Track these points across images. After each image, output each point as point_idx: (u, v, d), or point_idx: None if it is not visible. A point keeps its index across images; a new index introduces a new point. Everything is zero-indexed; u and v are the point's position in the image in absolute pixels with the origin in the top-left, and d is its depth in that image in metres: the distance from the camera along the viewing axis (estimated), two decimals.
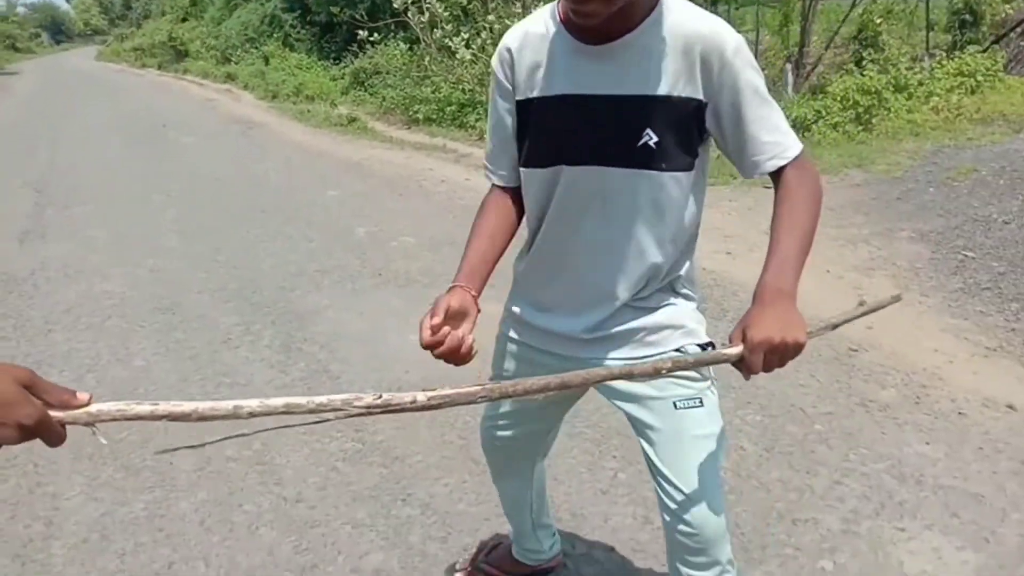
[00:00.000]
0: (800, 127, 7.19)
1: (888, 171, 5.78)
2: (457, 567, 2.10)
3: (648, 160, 1.28)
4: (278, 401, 0.90)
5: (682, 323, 1.44)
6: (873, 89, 7.27)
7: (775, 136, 1.28)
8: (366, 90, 12.75)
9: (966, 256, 4.07)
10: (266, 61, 17.43)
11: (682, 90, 1.25)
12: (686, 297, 1.46)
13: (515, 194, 1.48)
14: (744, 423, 2.75)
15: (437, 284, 4.31)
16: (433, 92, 10.51)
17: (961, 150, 6.10)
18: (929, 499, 2.31)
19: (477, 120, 9.45)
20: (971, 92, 7.60)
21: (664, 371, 1.15)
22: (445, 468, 2.58)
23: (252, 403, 0.89)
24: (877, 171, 5.86)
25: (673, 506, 1.41)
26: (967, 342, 3.28)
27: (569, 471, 2.52)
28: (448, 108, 10.10)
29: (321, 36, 16.99)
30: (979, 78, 7.73)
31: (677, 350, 1.42)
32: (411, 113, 10.52)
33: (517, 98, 1.37)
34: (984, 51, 8.38)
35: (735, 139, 1.29)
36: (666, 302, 1.43)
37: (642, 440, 1.47)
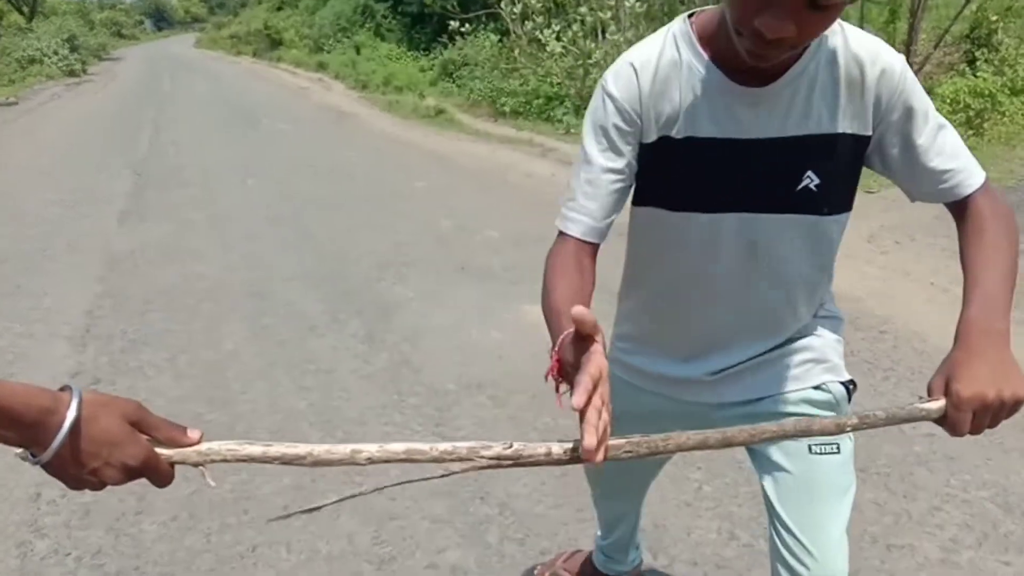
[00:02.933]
0: None
1: (1001, 180, 5.46)
2: (536, 571, 2.07)
3: (807, 204, 1.16)
4: (399, 447, 0.84)
5: (825, 357, 1.31)
6: (986, 92, 6.87)
7: (955, 163, 1.13)
8: (454, 82, 12.85)
9: None
10: (357, 51, 17.79)
11: (847, 125, 1.12)
12: (830, 322, 1.34)
13: (594, 251, 1.23)
14: None
15: (520, 280, 4.29)
16: (521, 85, 10.51)
17: None
18: None
19: (564, 114, 9.41)
20: None
21: (848, 427, 0.98)
22: (524, 469, 2.55)
23: (371, 448, 0.83)
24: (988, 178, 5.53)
25: (791, 559, 1.28)
26: None
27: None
28: (535, 102, 10.07)
29: (412, 26, 17.21)
30: None
31: (818, 387, 1.31)
32: (498, 106, 10.54)
33: (645, 140, 1.16)
34: None
35: (907, 169, 1.15)
36: (807, 332, 1.31)
37: (765, 480, 1.33)
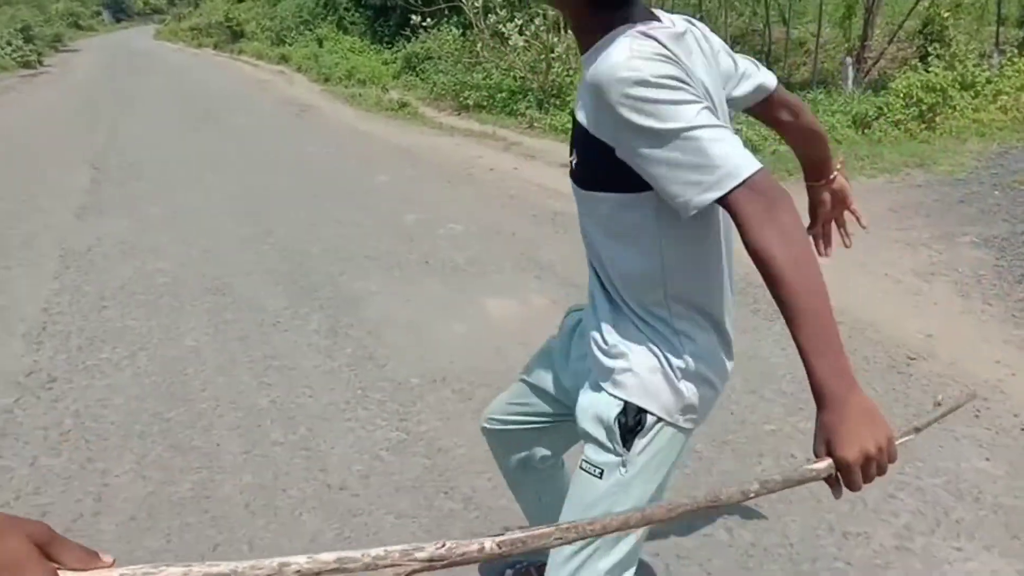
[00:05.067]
0: (860, 124, 7.00)
1: (951, 172, 5.60)
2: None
3: (578, 179, 1.27)
4: (328, 556, 0.79)
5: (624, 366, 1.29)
6: (938, 86, 7.03)
7: (691, 176, 1.07)
8: (417, 75, 12.78)
9: None
10: (320, 43, 17.60)
11: (590, 124, 1.17)
12: (649, 332, 1.30)
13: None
14: (795, 430, 2.69)
15: (484, 274, 4.30)
16: (484, 79, 10.49)
17: None
18: (988, 518, 2.23)
19: (527, 108, 9.41)
20: None
21: (752, 493, 1.02)
22: (488, 462, 2.55)
23: (300, 560, 0.78)
24: (940, 172, 5.67)
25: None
26: None
27: None
28: (499, 95, 10.07)
29: (375, 19, 17.06)
30: None
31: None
32: (461, 99, 10.51)
33: None
34: None
35: (653, 182, 1.13)
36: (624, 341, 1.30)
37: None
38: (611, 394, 1.28)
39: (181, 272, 4.49)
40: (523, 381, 1.64)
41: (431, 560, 0.82)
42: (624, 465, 1.28)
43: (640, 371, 1.27)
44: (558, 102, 9.35)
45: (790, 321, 1.04)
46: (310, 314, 3.85)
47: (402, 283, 4.24)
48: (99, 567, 0.74)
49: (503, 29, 9.74)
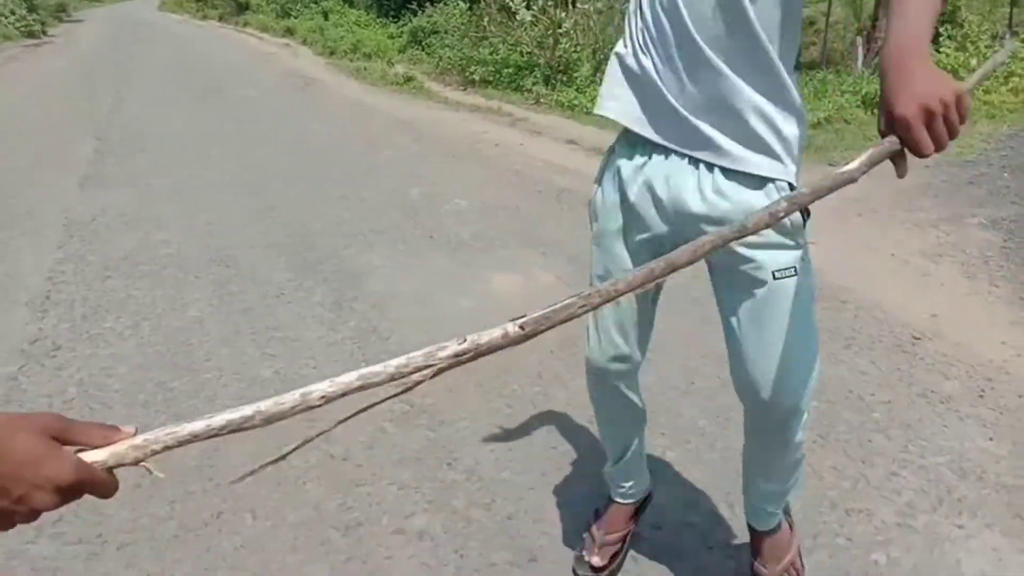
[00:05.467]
0: (870, 104, 6.94)
1: (961, 153, 5.55)
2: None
3: None
4: (350, 376, 0.77)
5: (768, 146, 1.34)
6: (950, 67, 6.96)
7: None
8: (423, 49, 12.68)
9: None
10: (325, 16, 17.44)
11: None
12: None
13: None
14: None
15: (490, 249, 4.29)
16: (491, 54, 10.40)
17: None
18: (991, 497, 2.23)
19: (534, 84, 9.33)
20: None
21: (781, 214, 0.96)
22: (491, 435, 2.57)
23: (321, 386, 0.77)
24: (949, 153, 5.62)
25: (754, 384, 1.48)
26: None
27: None
28: (505, 71, 9.98)
29: None
30: None
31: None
32: (467, 74, 10.43)
33: None
34: None
35: None
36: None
37: (730, 318, 1.48)
38: (774, 180, 1.35)
39: (185, 244, 4.48)
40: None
41: (456, 356, 0.80)
42: (802, 248, 1.42)
43: (794, 143, 1.36)
44: (565, 78, 9.27)
45: None
46: (314, 287, 3.85)
47: (407, 257, 4.23)
48: (121, 439, 0.74)
49: (510, 3, 9.63)
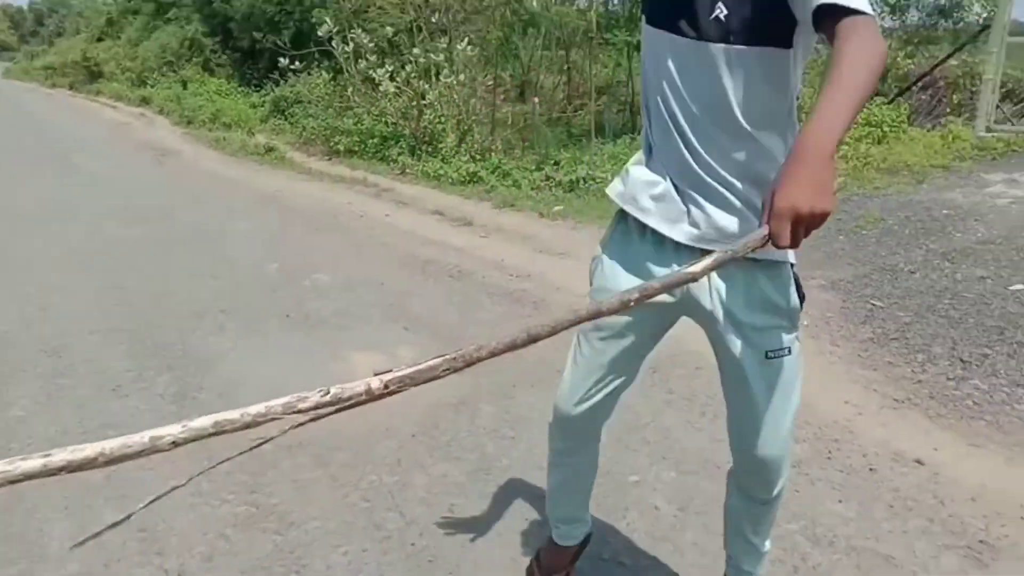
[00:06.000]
0: None
1: None
2: None
3: (720, 33, 1.34)
4: (205, 421, 0.75)
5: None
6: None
7: None
8: (286, 119, 12.50)
9: (875, 305, 4.14)
10: (184, 85, 16.98)
11: None
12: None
13: None
14: (658, 480, 2.68)
15: (350, 327, 4.15)
16: (356, 124, 10.36)
17: (868, 199, 6.30)
18: (842, 562, 2.27)
19: (399, 154, 9.34)
20: (878, 142, 7.91)
21: (632, 302, 1.05)
22: (344, 535, 2.41)
23: (173, 430, 0.74)
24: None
25: (747, 444, 1.65)
26: (876, 393, 3.30)
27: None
28: (370, 141, 9.95)
29: (243, 62, 16.66)
30: (885, 129, 8.06)
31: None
32: (332, 144, 10.33)
33: None
34: (890, 103, 8.75)
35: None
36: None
37: (728, 383, 1.65)
38: (777, 263, 1.49)
39: (12, 333, 4.10)
40: (601, 339, 1.66)
41: (316, 407, 0.80)
42: (797, 328, 1.57)
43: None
44: (430, 149, 9.32)
45: (832, 81, 1.12)
46: (156, 376, 3.58)
47: (260, 338, 4.02)
48: None
49: (374, 75, 9.65)
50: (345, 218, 6.77)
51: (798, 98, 1.48)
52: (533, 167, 8.24)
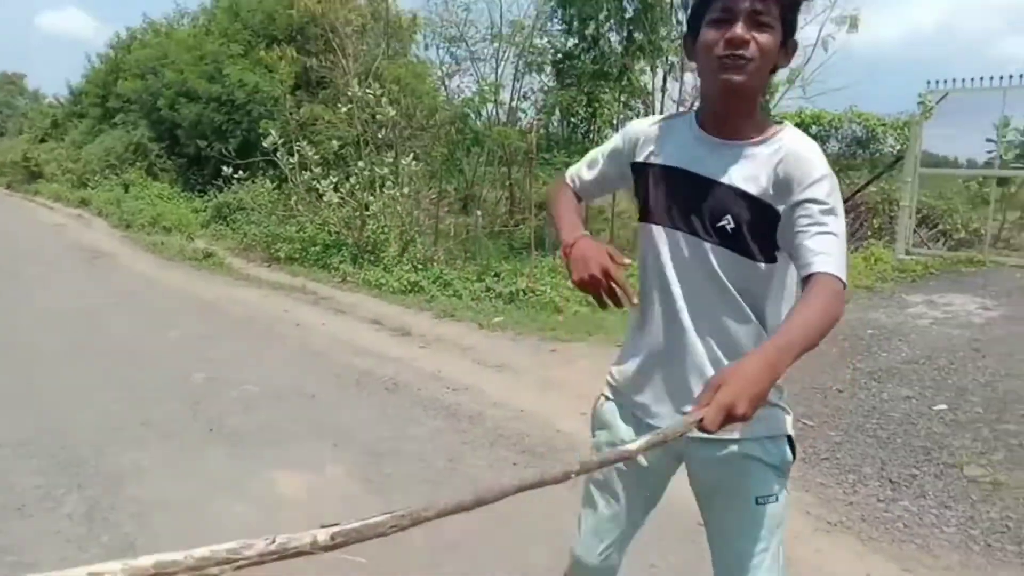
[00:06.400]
0: None
1: None
2: None
3: (724, 240, 1.50)
4: (147, 561, 0.74)
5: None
6: None
7: (825, 249, 1.36)
8: (228, 225, 12.45)
9: (806, 425, 4.19)
10: (126, 188, 16.85)
11: (763, 193, 1.46)
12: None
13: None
14: None
15: (277, 443, 4.00)
16: (298, 231, 10.37)
17: None
18: None
19: (340, 263, 9.33)
20: None
21: (574, 474, 1.10)
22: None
23: (112, 567, 0.72)
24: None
25: None
26: (810, 516, 3.29)
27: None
28: (312, 248, 9.95)
29: (188, 167, 16.67)
30: None
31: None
32: (273, 251, 10.29)
33: (634, 159, 1.67)
34: None
35: (792, 247, 1.41)
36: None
37: (712, 527, 1.68)
38: (775, 437, 1.59)
39: None
40: (606, 496, 1.75)
41: (261, 556, 0.79)
42: (787, 478, 1.63)
43: (782, 404, 1.62)
44: (372, 257, 9.35)
45: (803, 315, 1.30)
46: (66, 495, 3.36)
47: (180, 454, 3.84)
48: None
49: (318, 185, 9.74)
50: (281, 326, 6.66)
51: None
52: (474, 278, 8.31)
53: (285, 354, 5.79)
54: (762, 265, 1.51)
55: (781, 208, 1.44)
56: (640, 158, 1.66)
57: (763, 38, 1.43)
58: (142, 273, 9.45)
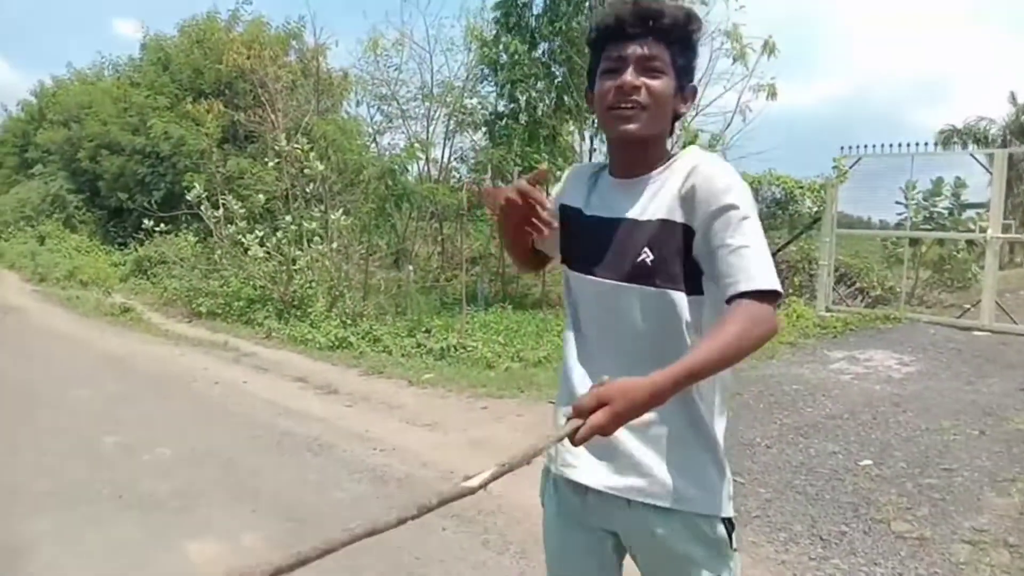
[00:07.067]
0: None
1: None
2: None
3: (643, 275, 1.43)
4: None
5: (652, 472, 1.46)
6: None
7: (743, 265, 1.31)
8: (148, 279, 12.07)
9: (736, 482, 4.17)
10: (41, 241, 16.21)
11: (676, 215, 1.41)
12: (703, 444, 1.48)
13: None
14: None
15: (191, 509, 3.77)
16: (221, 286, 10.09)
17: None
18: None
19: (266, 318, 9.08)
20: None
21: (409, 518, 1.02)
22: None
23: None
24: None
25: None
26: None
27: None
28: (236, 303, 9.68)
29: (108, 220, 16.18)
30: None
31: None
32: (194, 306, 9.97)
33: (561, 201, 1.62)
34: None
35: (709, 265, 1.37)
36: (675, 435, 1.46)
37: None
38: (710, 516, 1.47)
39: None
40: None
41: None
42: (730, 556, 1.50)
43: (718, 482, 1.48)
44: (299, 313, 9.13)
45: (703, 347, 1.25)
46: None
47: (85, 524, 3.57)
48: None
49: (243, 239, 9.53)
50: (199, 385, 6.38)
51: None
52: (405, 333, 8.18)
53: (203, 414, 5.52)
54: (686, 298, 1.43)
55: (695, 224, 1.39)
56: (564, 200, 1.63)
57: (655, 84, 1.42)
58: (54, 329, 9.00)
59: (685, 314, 1.43)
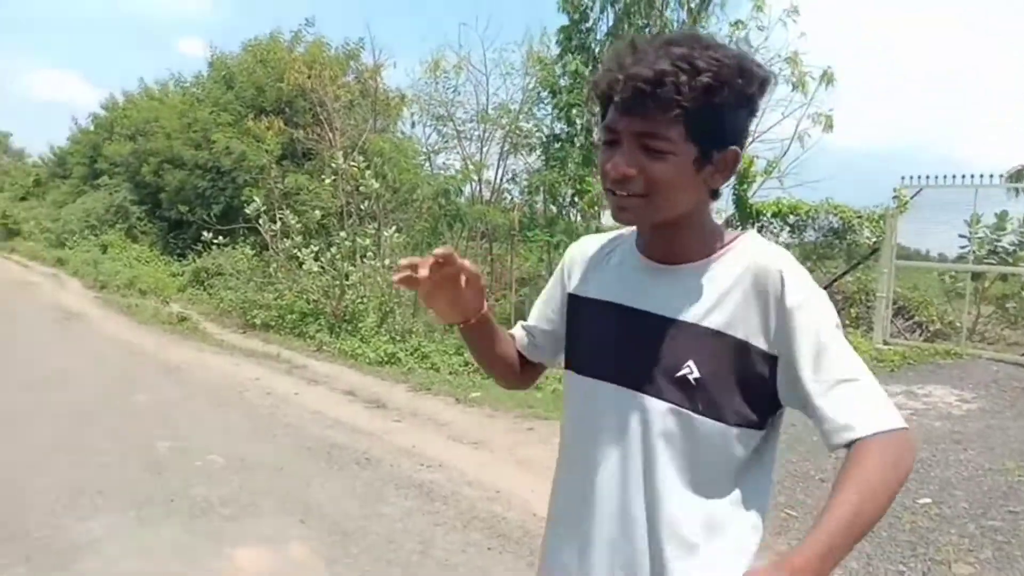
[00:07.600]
0: None
1: None
2: None
3: (684, 396, 1.14)
4: None
5: None
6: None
7: (854, 403, 1.06)
8: (205, 290, 12.33)
9: (789, 515, 4.08)
10: (104, 250, 16.73)
11: (740, 330, 1.12)
12: None
13: (522, 359, 1.50)
14: None
15: (239, 517, 3.82)
16: (276, 298, 10.26)
17: None
18: None
19: (317, 331, 9.21)
20: None
21: None
22: None
23: None
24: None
25: None
26: None
27: None
28: (289, 316, 9.83)
29: (169, 231, 16.61)
30: None
31: None
32: (249, 317, 10.15)
33: (568, 291, 1.35)
34: None
35: (800, 403, 1.10)
36: None
37: None
38: None
39: None
40: None
41: None
42: None
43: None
44: (350, 327, 9.24)
45: (842, 503, 0.99)
46: (9, 567, 3.16)
47: (137, 527, 3.65)
48: None
49: (298, 254, 9.71)
50: (251, 395, 6.49)
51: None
52: (452, 351, 8.20)
53: (253, 424, 5.61)
54: (735, 431, 1.13)
55: (779, 350, 1.11)
56: (572, 288, 1.34)
57: (655, 168, 1.09)
58: (113, 335, 9.25)
59: (727, 450, 1.15)
